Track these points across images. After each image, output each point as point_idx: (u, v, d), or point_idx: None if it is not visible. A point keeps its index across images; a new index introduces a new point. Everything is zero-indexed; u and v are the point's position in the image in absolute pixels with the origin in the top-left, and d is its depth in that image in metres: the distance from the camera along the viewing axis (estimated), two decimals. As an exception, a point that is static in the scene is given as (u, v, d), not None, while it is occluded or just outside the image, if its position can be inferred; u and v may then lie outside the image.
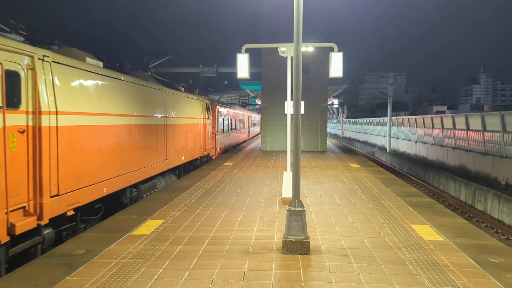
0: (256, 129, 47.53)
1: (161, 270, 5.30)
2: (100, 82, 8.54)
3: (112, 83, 9.18)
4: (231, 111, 27.78)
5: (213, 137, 20.13)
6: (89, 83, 8.05)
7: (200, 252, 5.99)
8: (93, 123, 8.05)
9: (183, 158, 14.79)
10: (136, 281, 4.95)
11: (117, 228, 7.18)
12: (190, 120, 15.80)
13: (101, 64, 8.94)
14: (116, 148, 9.08)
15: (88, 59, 8.46)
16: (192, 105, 16.41)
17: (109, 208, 9.08)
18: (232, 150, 25.21)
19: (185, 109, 15.26)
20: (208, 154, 19.43)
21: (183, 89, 16.22)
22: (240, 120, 32.03)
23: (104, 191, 8.39)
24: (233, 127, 28.16)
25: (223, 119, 23.68)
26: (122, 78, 9.74)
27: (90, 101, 8.03)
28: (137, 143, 10.29)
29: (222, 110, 23.82)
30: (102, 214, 8.59)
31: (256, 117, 47.98)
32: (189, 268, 5.37)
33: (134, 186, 10.34)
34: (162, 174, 12.90)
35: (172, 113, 13.44)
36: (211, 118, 20.01)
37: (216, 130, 21.27)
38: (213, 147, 20.44)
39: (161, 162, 12.27)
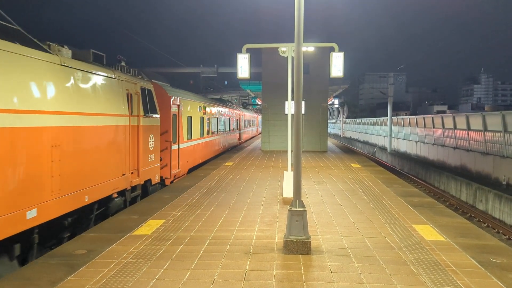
0: (251, 130, 41.19)
1: (162, 270, 5.30)
2: None
3: None
4: (212, 108, 20.51)
5: (167, 148, 12.79)
6: None
7: (201, 252, 5.98)
8: None
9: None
10: (137, 281, 4.95)
11: (118, 228, 7.18)
12: (80, 118, 7.62)
13: None
14: None
15: None
16: (95, 90, 8.25)
17: None
18: (211, 161, 18.34)
19: (65, 95, 7.17)
20: (150, 180, 11.28)
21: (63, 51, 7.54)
22: (226, 119, 24.87)
23: None
24: (214, 129, 20.91)
25: (192, 118, 16.16)
26: None
27: None
28: None
29: (191, 104, 16.12)
30: None
31: (252, 116, 41.53)
32: (190, 268, 5.36)
33: None
34: None
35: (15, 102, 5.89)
36: (168, 116, 13.00)
37: (177, 136, 13.84)
38: (166, 166, 12.95)
39: None
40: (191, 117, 16.01)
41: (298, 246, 5.91)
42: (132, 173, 9.91)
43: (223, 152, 23.23)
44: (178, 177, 13.94)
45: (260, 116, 48.13)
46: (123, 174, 9.36)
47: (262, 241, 6.55)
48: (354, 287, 4.81)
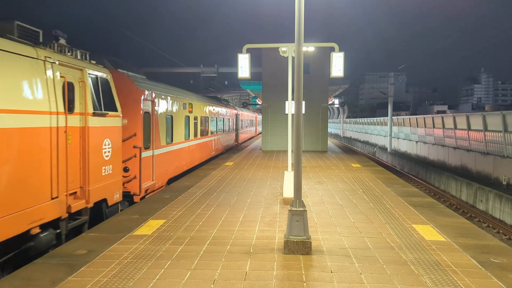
0: (250, 130, 38.24)
1: (162, 270, 5.30)
2: None
3: None
4: (201, 106, 17.56)
5: (135, 156, 10.16)
6: None
7: (201, 252, 5.98)
8: None
9: None
10: (138, 281, 4.95)
11: (118, 228, 7.18)
12: None
13: None
14: None
15: None
16: None
17: None
18: (203, 165, 16.21)
19: None
20: (106, 200, 8.49)
21: None
22: (220, 119, 22.17)
23: None
24: (204, 130, 18.18)
25: (174, 117, 13.35)
26: None
27: None
28: None
29: (173, 101, 13.25)
30: None
31: (250, 115, 38.05)
32: (191, 268, 5.36)
33: None
34: None
35: None
36: (137, 114, 10.37)
37: (151, 140, 11.15)
38: (135, 178, 10.19)
39: None
40: (172, 116, 13.06)
41: (299, 246, 5.91)
42: (73, 193, 7.23)
43: (216, 155, 20.85)
44: (154, 191, 11.27)
45: (259, 116, 48.21)
46: (54, 198, 6.56)
47: (263, 241, 6.55)
48: (355, 287, 4.81)
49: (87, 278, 5.00)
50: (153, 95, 11.40)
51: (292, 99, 8.88)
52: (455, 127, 23.83)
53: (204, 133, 17.99)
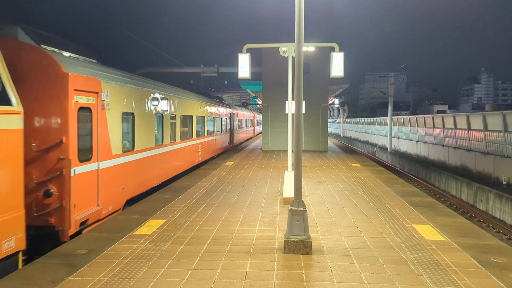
0: (248, 131, 35.23)
1: (163, 270, 5.31)
2: None
3: None
4: (180, 102, 14.37)
5: (61, 174, 7.01)
6: None
7: (202, 252, 5.99)
8: None
9: None
10: (138, 280, 4.95)
11: (119, 228, 7.19)
12: None
13: None
14: None
15: None
16: None
17: None
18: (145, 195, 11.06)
19: None
20: None
21: None
22: (209, 118, 19.21)
23: None
24: (187, 132, 15.43)
25: (136, 115, 10.29)
26: None
27: None
28: None
29: (135, 94, 10.25)
30: None
31: (246, 114, 34.43)
32: (191, 268, 5.37)
33: None
34: None
35: None
36: (63, 110, 7.12)
37: (93, 148, 8.10)
38: (61, 206, 7.00)
39: None
40: (133, 114, 10.05)
41: (299, 246, 5.92)
42: None
43: (205, 161, 18.03)
44: (101, 219, 8.18)
45: (257, 115, 48.05)
46: None
47: (263, 240, 6.56)
48: (355, 287, 4.82)
49: (87, 278, 5.00)
50: (98, 84, 8.18)
51: (292, 99, 8.88)
52: (455, 127, 23.83)
53: (186, 135, 15.19)
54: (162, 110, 12.29)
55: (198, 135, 17.05)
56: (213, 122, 20.25)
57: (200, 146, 17.32)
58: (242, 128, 32.34)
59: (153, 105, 11.53)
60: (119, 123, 9.25)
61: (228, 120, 25.25)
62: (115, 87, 9.09)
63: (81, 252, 5.91)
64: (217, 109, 21.64)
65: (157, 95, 11.89)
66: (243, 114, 33.21)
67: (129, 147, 9.93)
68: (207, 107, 19.03)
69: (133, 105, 10.14)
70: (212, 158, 19.68)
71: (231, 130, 26.26)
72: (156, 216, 8.07)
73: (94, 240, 6.52)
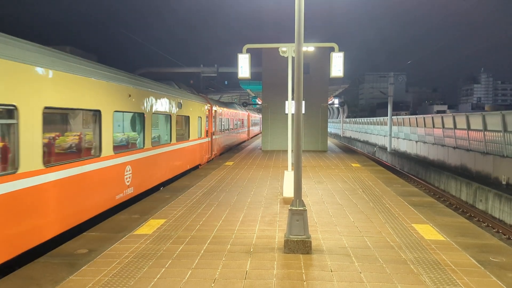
0: (242, 132, 31.93)
1: (163, 269, 5.32)
2: None
3: None
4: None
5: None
6: None
7: (202, 252, 6.01)
8: None
9: None
10: (138, 280, 4.97)
11: (119, 228, 7.20)
12: None
13: None
14: None
15: None
16: None
17: None
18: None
19: None
20: None
21: None
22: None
23: None
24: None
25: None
26: None
27: None
28: None
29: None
30: None
31: (230, 112, 26.51)
32: (192, 268, 5.39)
33: None
34: None
35: None
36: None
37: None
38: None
39: None
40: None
41: (299, 246, 5.94)
42: None
43: (159, 184, 11.84)
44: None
45: (255, 114, 47.98)
46: None
47: (263, 240, 6.57)
48: (354, 286, 4.84)
49: (88, 277, 5.02)
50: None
51: (292, 99, 8.90)
52: (455, 127, 23.85)
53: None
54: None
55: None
56: (169, 123, 12.81)
57: (130, 166, 9.58)
58: (230, 131, 26.33)
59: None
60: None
61: (205, 121, 17.82)
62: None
63: (82, 252, 5.92)
64: (179, 103, 13.71)
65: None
66: (231, 112, 26.88)
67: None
68: (161, 99, 11.79)
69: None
70: (176, 177, 13.40)
71: (212, 134, 19.30)
72: (156, 216, 8.09)
73: (94, 240, 6.53)
